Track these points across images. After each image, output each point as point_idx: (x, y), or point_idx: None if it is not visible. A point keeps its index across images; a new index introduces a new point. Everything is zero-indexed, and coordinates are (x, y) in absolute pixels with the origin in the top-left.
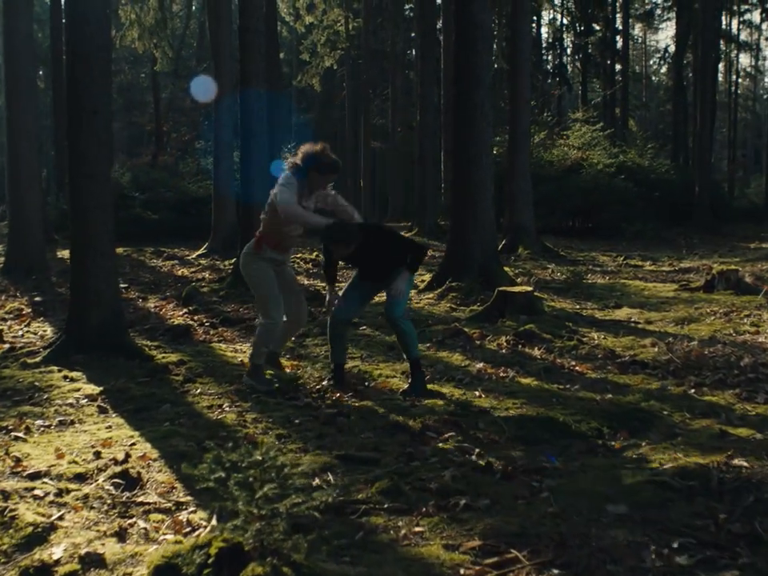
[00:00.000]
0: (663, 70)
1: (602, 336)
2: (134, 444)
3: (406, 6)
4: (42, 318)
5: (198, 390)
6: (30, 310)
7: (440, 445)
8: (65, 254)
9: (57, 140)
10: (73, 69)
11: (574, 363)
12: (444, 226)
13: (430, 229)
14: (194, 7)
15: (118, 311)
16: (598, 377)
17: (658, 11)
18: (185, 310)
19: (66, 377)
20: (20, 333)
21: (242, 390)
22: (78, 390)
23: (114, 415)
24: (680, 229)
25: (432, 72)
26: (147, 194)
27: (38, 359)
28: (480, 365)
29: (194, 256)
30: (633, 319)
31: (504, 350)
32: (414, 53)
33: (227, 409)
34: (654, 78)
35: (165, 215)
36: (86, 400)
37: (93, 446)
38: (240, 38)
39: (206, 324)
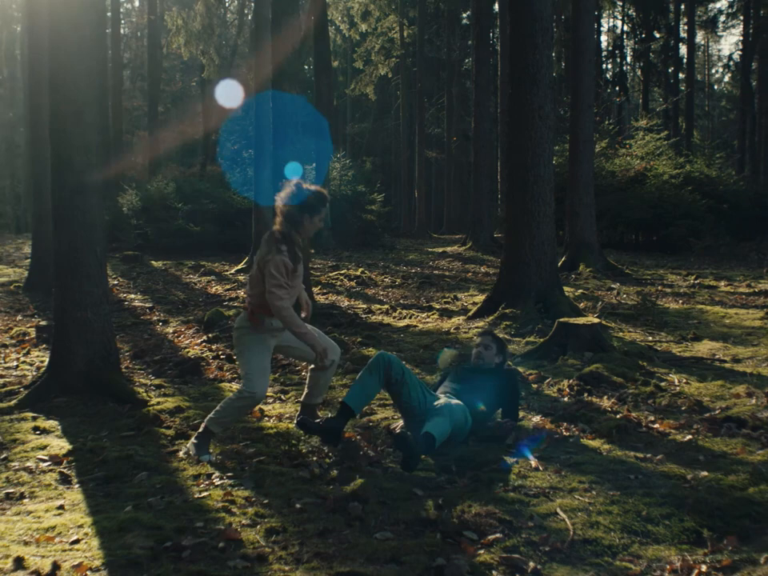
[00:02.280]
0: (726, 78)
1: (684, 380)
2: (77, 541)
3: (463, 15)
4: (44, 346)
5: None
6: (34, 336)
7: (481, 553)
8: None
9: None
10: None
11: (652, 418)
12: (500, 239)
13: (484, 243)
14: (249, 16)
15: (108, 346)
16: (684, 440)
17: (722, 18)
18: (204, 338)
19: (36, 428)
20: (14, 363)
21: (240, 451)
22: (45, 447)
23: (75, 487)
24: (751, 244)
25: (488, 78)
26: (190, 206)
27: (12, 402)
28: (537, 418)
29: (232, 271)
30: (717, 356)
31: (566, 398)
32: (470, 61)
33: (216, 481)
34: (715, 86)
35: (208, 227)
36: (48, 463)
37: (25, 542)
38: (273, 37)
39: (222, 356)
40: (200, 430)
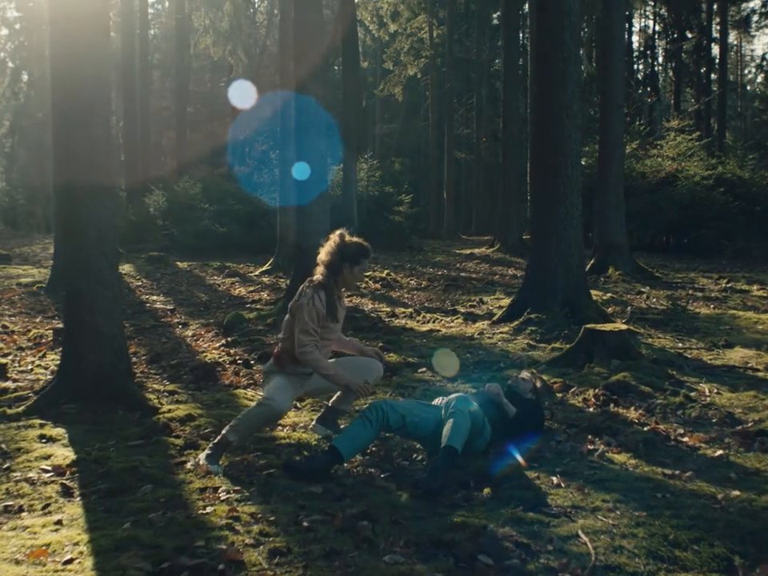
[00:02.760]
0: (759, 78)
1: (715, 389)
2: (70, 561)
3: (493, 15)
4: (60, 349)
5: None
6: (51, 339)
7: None
8: (125, 268)
9: (126, 149)
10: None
11: (681, 431)
12: (528, 241)
13: (512, 245)
14: (278, 16)
15: (120, 351)
16: (714, 455)
17: (755, 17)
18: (223, 342)
19: (43, 436)
20: (29, 367)
21: (251, 462)
22: (49, 456)
23: (76, 500)
24: None
25: (517, 79)
26: (217, 206)
27: (21, 408)
28: (560, 430)
29: (257, 273)
30: (750, 364)
31: (591, 408)
32: (499, 62)
33: (222, 495)
34: (748, 87)
35: (234, 228)
36: (50, 474)
37: (17, 560)
38: (294, 34)
39: (239, 362)
40: (216, 439)
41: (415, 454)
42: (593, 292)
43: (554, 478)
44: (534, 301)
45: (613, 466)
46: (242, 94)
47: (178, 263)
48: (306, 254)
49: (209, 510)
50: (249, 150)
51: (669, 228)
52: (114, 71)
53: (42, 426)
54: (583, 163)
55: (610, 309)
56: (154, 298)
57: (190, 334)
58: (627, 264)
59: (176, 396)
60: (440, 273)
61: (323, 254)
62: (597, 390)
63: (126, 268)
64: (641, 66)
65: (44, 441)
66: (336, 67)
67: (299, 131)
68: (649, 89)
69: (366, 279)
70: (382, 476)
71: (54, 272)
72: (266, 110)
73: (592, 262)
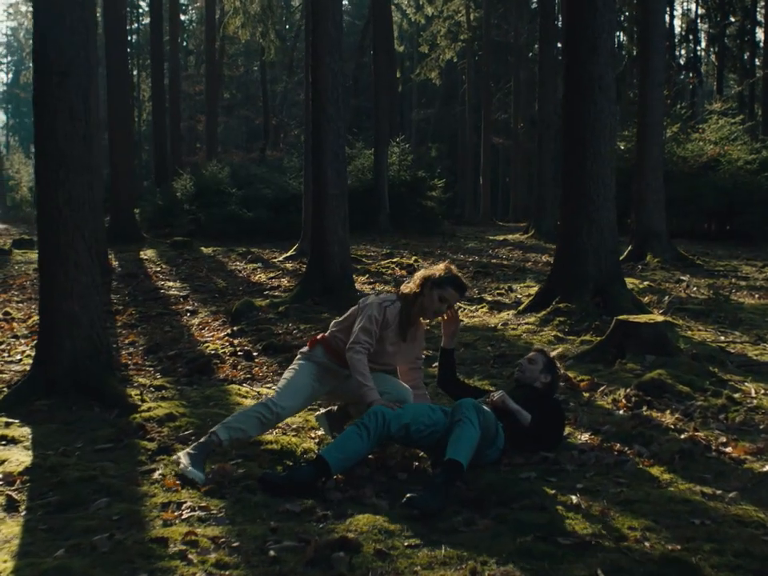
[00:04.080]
0: None
1: (762, 390)
2: None
3: None
4: None
5: (167, 470)
6: None
7: None
8: (147, 253)
9: (154, 132)
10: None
11: (724, 440)
12: None
13: (547, 231)
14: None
15: (99, 342)
16: (763, 470)
17: None
18: (228, 331)
19: (4, 437)
20: (18, 357)
21: (227, 472)
22: (3, 462)
23: (20, 515)
24: None
25: (553, 60)
26: (244, 191)
27: None
28: (585, 436)
29: (280, 259)
30: None
31: (622, 411)
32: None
33: (185, 513)
34: None
35: (261, 213)
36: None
37: None
38: (312, 3)
39: (240, 353)
40: (204, 438)
41: (417, 463)
42: (629, 280)
43: (574, 497)
44: (563, 289)
45: (644, 483)
46: None
47: (203, 248)
48: (324, 239)
49: (164, 531)
50: (283, 135)
51: (710, 214)
52: (143, 51)
53: (7, 425)
54: (622, 147)
55: (646, 298)
56: (170, 284)
57: (197, 323)
58: (666, 251)
59: (162, 392)
60: (470, 259)
61: (419, 273)
62: (628, 390)
63: (148, 253)
64: (683, 51)
65: (3, 443)
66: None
67: (315, 109)
68: (691, 74)
69: (393, 266)
70: (374, 491)
71: None
72: (300, 93)
73: (630, 248)
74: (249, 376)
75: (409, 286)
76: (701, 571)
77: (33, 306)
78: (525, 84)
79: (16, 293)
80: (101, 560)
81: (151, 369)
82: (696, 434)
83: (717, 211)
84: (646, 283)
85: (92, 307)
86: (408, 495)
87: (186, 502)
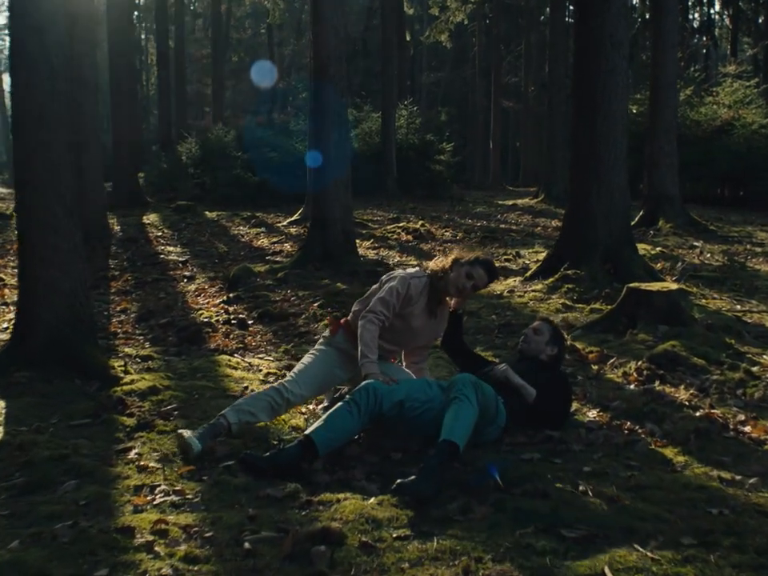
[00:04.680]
0: None
1: None
2: None
3: None
4: None
5: (145, 449)
6: None
7: None
8: (150, 217)
9: (160, 96)
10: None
11: (742, 417)
12: None
13: (557, 195)
14: None
15: (81, 311)
16: None
17: None
18: (224, 298)
19: None
20: (5, 325)
21: (211, 450)
22: None
23: None
24: None
25: (564, 20)
26: (250, 154)
27: None
28: (594, 413)
29: (284, 223)
30: None
31: (633, 385)
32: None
33: (158, 498)
34: None
35: (267, 177)
36: None
37: None
38: None
39: (234, 321)
40: (214, 420)
41: (413, 443)
42: (640, 245)
43: (580, 483)
44: (572, 255)
45: (656, 466)
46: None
47: (207, 213)
48: (325, 203)
49: (133, 519)
50: (292, 98)
51: (724, 179)
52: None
53: None
54: (634, 111)
55: (658, 264)
56: (170, 249)
57: (193, 289)
58: (679, 216)
59: (148, 362)
60: (478, 224)
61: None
62: (640, 363)
63: (151, 218)
64: (696, 15)
65: None
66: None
67: (316, 69)
68: (704, 37)
69: (399, 230)
70: (365, 473)
71: None
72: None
73: (641, 213)
74: (241, 345)
75: (439, 262)
76: (719, 569)
77: None
78: (536, 47)
79: (12, 258)
80: (59, 552)
81: (141, 337)
82: (712, 411)
83: (730, 176)
84: (658, 249)
85: (74, 274)
86: (398, 481)
87: (160, 485)
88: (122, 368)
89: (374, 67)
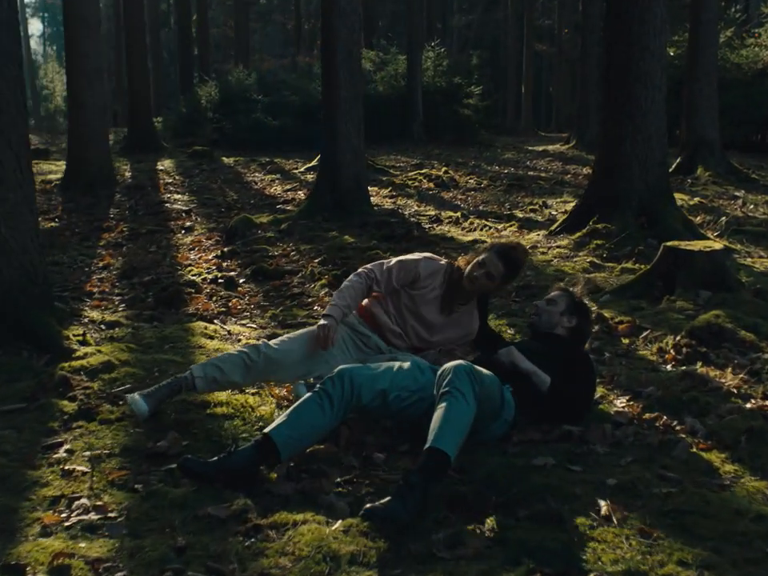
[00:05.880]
0: None
1: None
2: None
3: None
4: None
5: (78, 444)
6: None
7: None
8: (165, 163)
9: (180, 38)
10: None
11: None
12: None
13: (590, 141)
14: None
15: (33, 271)
16: None
17: None
18: (218, 252)
19: None
20: None
21: (152, 452)
22: None
23: None
24: None
25: None
26: (271, 98)
27: None
28: (622, 401)
29: (301, 169)
30: None
31: (670, 366)
32: None
33: (73, 516)
34: None
35: (287, 121)
36: None
37: None
38: None
39: (221, 280)
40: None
41: (402, 441)
42: (677, 195)
43: (603, 503)
44: (602, 207)
45: (699, 479)
46: None
47: (224, 158)
48: (335, 147)
49: (32, 547)
50: (319, 41)
51: (765, 125)
52: None
53: None
54: (671, 53)
55: (697, 217)
56: (177, 196)
57: (188, 242)
58: (719, 164)
59: (114, 330)
60: (505, 171)
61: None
62: (678, 338)
63: (165, 163)
64: None
65: None
66: None
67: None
68: None
69: (421, 177)
70: (336, 482)
71: (67, 169)
72: None
73: (678, 160)
74: (224, 309)
75: (466, 258)
76: None
77: None
78: None
79: None
80: None
81: (118, 298)
82: (766, 402)
83: None
84: (696, 199)
85: (24, 229)
86: (367, 506)
87: (81, 498)
88: (80, 338)
89: (403, 9)
